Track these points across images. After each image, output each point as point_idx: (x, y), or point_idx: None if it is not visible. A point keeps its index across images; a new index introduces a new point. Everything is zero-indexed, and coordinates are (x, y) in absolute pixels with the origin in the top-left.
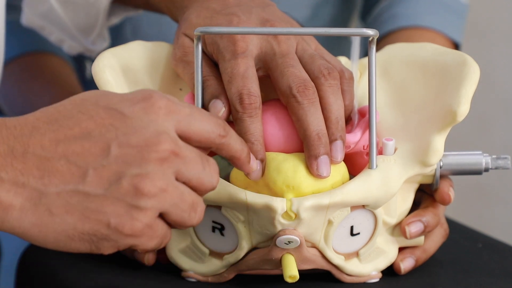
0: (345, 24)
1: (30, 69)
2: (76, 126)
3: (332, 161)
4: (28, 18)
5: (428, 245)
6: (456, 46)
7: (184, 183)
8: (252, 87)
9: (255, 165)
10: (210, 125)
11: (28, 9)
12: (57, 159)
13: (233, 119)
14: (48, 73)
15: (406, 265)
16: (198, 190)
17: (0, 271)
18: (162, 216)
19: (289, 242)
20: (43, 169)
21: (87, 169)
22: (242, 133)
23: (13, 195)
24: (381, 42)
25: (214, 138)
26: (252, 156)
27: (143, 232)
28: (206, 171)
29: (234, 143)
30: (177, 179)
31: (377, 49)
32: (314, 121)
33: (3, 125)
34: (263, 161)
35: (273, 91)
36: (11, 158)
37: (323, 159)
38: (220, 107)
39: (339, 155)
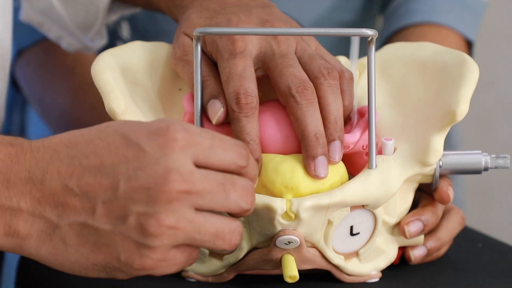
0: (370, 17)
1: (52, 55)
2: (92, 154)
3: (330, 162)
4: (27, 14)
5: (442, 233)
6: (469, 45)
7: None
8: (249, 87)
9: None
10: (232, 155)
11: (27, 5)
12: (70, 190)
13: (229, 119)
14: (69, 61)
15: (416, 253)
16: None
17: (3, 271)
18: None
19: (289, 242)
20: (57, 199)
21: (96, 203)
22: (238, 133)
23: (30, 226)
24: (395, 37)
25: (234, 169)
26: None
27: (156, 266)
28: (231, 197)
29: (251, 171)
30: (198, 210)
31: (393, 42)
32: (312, 121)
33: (28, 148)
34: (259, 161)
35: (272, 92)
36: (30, 185)
37: (321, 160)
38: (218, 107)
39: (337, 155)
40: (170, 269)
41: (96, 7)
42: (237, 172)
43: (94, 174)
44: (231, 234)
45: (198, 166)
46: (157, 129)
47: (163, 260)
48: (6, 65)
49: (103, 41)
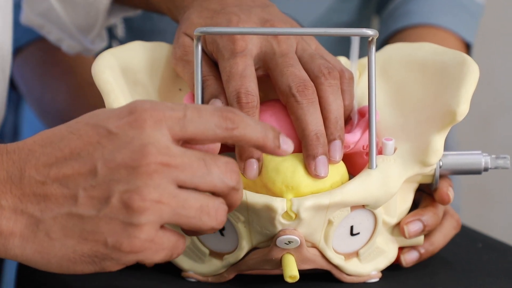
0: (366, 18)
1: (51, 53)
2: (67, 147)
3: (331, 161)
4: (27, 16)
5: (436, 237)
6: (468, 47)
7: (193, 189)
8: (250, 86)
9: (287, 147)
10: (212, 120)
11: (27, 8)
12: (50, 184)
13: None
14: (69, 60)
15: (407, 257)
16: (215, 194)
17: (3, 271)
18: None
19: (289, 242)
20: (38, 195)
21: (77, 191)
22: None
23: (13, 223)
24: (393, 38)
25: (221, 132)
26: (282, 137)
27: (144, 247)
28: (213, 172)
29: (251, 132)
30: (180, 187)
31: (391, 43)
32: (313, 121)
33: (3, 150)
34: (259, 160)
35: (273, 91)
36: (10, 184)
37: (321, 159)
38: None
39: (338, 154)
40: (159, 254)
41: (96, 8)
42: (229, 136)
43: (71, 165)
44: (216, 210)
45: (176, 141)
46: (126, 111)
47: (151, 241)
48: (6, 67)
49: (104, 43)
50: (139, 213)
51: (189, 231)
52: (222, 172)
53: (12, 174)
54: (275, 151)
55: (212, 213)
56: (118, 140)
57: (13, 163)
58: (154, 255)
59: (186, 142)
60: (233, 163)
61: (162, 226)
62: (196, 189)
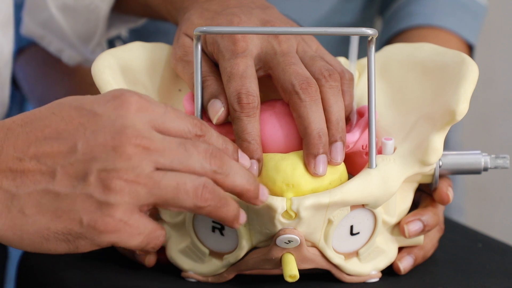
0: (369, 19)
1: (52, 55)
2: (48, 127)
3: (332, 163)
4: (27, 27)
5: (424, 241)
6: (470, 48)
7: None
8: (250, 86)
9: (245, 161)
10: (185, 123)
11: (28, 18)
12: (28, 160)
13: (231, 119)
14: None
15: (405, 264)
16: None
17: (7, 272)
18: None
19: (289, 241)
20: (15, 170)
21: (55, 168)
22: (239, 133)
23: None
24: (396, 39)
25: (191, 137)
26: (240, 153)
27: (118, 228)
28: (193, 156)
29: (215, 141)
30: (159, 169)
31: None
32: (316, 119)
33: None
34: (259, 160)
35: (273, 92)
36: None
37: (321, 158)
38: (219, 107)
39: (339, 156)
40: (134, 238)
41: (96, 15)
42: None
43: (51, 144)
44: (196, 188)
45: (155, 130)
46: (111, 96)
47: (125, 222)
48: (5, 66)
49: None
50: (115, 192)
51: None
52: (202, 157)
53: None
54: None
55: (190, 191)
56: (100, 121)
57: None
58: (129, 239)
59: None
60: (216, 150)
61: (140, 212)
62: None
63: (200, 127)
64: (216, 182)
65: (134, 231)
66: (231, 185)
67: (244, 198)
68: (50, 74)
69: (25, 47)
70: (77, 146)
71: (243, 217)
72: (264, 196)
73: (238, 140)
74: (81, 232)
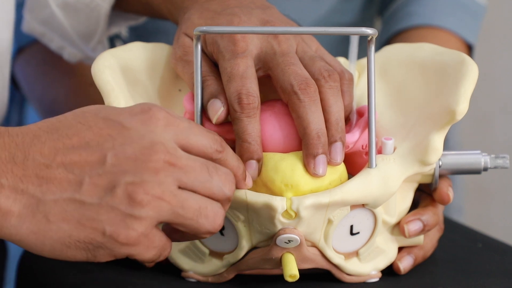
0: (368, 19)
1: (52, 54)
2: (75, 135)
3: (332, 163)
4: (28, 25)
5: (424, 241)
6: (470, 48)
7: (192, 191)
8: (251, 87)
9: (250, 182)
10: (207, 139)
11: (29, 15)
12: (55, 167)
13: (231, 119)
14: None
15: (405, 264)
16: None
17: (6, 272)
18: (172, 228)
19: (289, 241)
20: (41, 177)
21: (83, 177)
22: (239, 133)
23: (12, 202)
24: (395, 39)
25: (212, 152)
26: (247, 175)
27: (139, 241)
28: (214, 180)
29: (230, 160)
30: (181, 188)
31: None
32: (315, 119)
33: (5, 133)
34: (259, 161)
35: (273, 92)
36: (11, 164)
37: (321, 158)
38: (218, 107)
39: (339, 156)
40: (149, 251)
41: (97, 14)
42: (215, 157)
43: (79, 153)
44: (215, 214)
45: (179, 146)
46: (139, 109)
47: (146, 236)
48: (5, 64)
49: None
50: (140, 206)
51: (186, 235)
52: (222, 181)
53: (14, 155)
54: (240, 182)
55: (210, 216)
56: (129, 134)
57: (16, 146)
58: (145, 252)
59: (187, 150)
60: (231, 175)
61: (157, 226)
62: (195, 193)
63: (220, 143)
64: (225, 206)
65: (151, 245)
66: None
67: None
68: (50, 74)
69: (24, 47)
70: (106, 158)
71: None
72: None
73: (238, 140)
74: (103, 242)
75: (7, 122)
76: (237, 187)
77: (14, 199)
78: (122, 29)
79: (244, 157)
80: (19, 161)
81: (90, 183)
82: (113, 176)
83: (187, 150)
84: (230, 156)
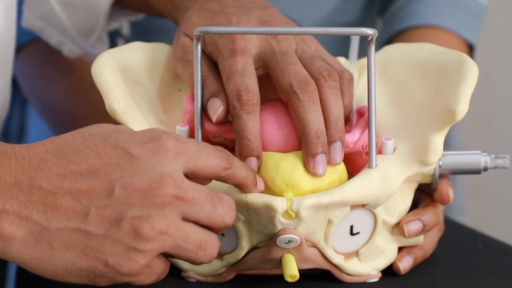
0: (370, 19)
1: (52, 53)
2: (83, 162)
3: (332, 163)
4: (28, 20)
5: (424, 241)
6: (471, 48)
7: (194, 222)
8: (250, 83)
9: (261, 186)
10: (215, 159)
11: (28, 11)
12: (61, 195)
13: (231, 116)
14: (69, 59)
15: (404, 264)
16: (211, 229)
17: (7, 270)
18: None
19: (289, 241)
20: (47, 204)
21: (90, 207)
22: (239, 130)
23: (16, 228)
24: (396, 39)
25: (220, 171)
26: (258, 179)
27: (140, 272)
28: (217, 210)
29: (238, 172)
30: (184, 219)
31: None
32: (314, 119)
33: (12, 155)
34: (259, 158)
35: (272, 91)
36: (17, 190)
37: (320, 158)
38: (218, 106)
39: (338, 156)
40: (149, 278)
41: (96, 11)
42: (223, 174)
43: (86, 181)
44: (212, 247)
45: (187, 174)
46: (149, 138)
47: (148, 266)
48: (7, 62)
49: (104, 47)
50: (145, 240)
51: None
52: (224, 211)
53: (20, 180)
54: (251, 190)
55: (208, 249)
56: (138, 165)
57: (22, 170)
58: (146, 279)
59: (194, 174)
60: (233, 203)
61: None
62: (196, 222)
63: (227, 159)
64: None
65: (151, 272)
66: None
67: None
68: (49, 73)
69: (23, 45)
70: (114, 189)
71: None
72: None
73: (238, 137)
74: (105, 272)
75: (8, 121)
76: (250, 192)
77: (18, 226)
78: (122, 24)
79: (243, 154)
80: (25, 187)
81: (96, 214)
82: (120, 208)
83: (195, 174)
84: (238, 169)
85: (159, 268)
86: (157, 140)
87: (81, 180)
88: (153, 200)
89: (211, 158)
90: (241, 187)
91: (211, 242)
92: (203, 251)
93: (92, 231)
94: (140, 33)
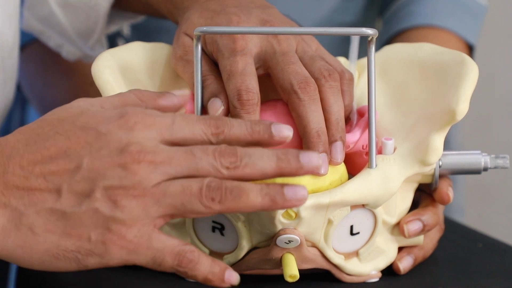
0: (370, 19)
1: (52, 52)
2: (53, 146)
3: (332, 162)
4: (27, 22)
5: (424, 241)
6: (471, 49)
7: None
8: (250, 83)
9: (283, 132)
10: (197, 127)
11: (28, 13)
12: (35, 179)
13: (231, 116)
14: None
15: (404, 264)
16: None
17: (9, 270)
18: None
19: (289, 241)
20: (22, 189)
21: (61, 186)
22: None
23: None
24: (396, 39)
25: (209, 137)
26: (275, 126)
27: (127, 244)
28: (203, 160)
29: (236, 131)
30: (169, 180)
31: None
32: (314, 118)
33: None
34: None
35: (273, 91)
36: None
37: (321, 157)
38: (218, 106)
39: (339, 156)
40: (146, 254)
41: (96, 12)
42: (215, 141)
43: (57, 162)
44: (200, 188)
45: (165, 143)
46: (116, 115)
47: (137, 238)
48: (8, 59)
49: (103, 49)
50: (121, 208)
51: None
52: (212, 158)
53: None
54: (270, 142)
55: (195, 192)
56: (105, 139)
57: None
58: (140, 256)
59: (177, 144)
60: (225, 147)
61: (154, 228)
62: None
63: (215, 124)
64: (235, 177)
65: (145, 247)
66: (253, 171)
67: (280, 174)
68: (49, 73)
69: (24, 46)
70: (82, 164)
71: (265, 199)
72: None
73: None
74: (90, 248)
75: (8, 121)
76: (273, 144)
77: None
78: (122, 27)
79: None
80: (0, 174)
81: (68, 191)
82: (90, 181)
83: (176, 144)
84: (235, 128)
85: (158, 243)
86: (124, 115)
87: (51, 162)
88: (123, 168)
89: (191, 127)
90: (256, 144)
91: (198, 184)
92: (192, 196)
93: (67, 209)
94: (141, 34)
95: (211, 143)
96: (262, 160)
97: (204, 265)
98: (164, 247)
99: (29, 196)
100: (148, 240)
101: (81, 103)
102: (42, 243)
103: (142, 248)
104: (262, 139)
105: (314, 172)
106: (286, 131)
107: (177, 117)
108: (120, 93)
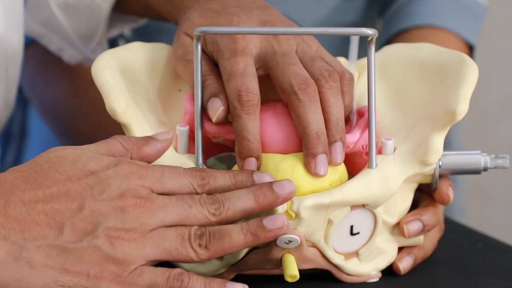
0: (371, 19)
1: (52, 53)
2: (54, 185)
3: (332, 163)
4: (28, 25)
5: (424, 241)
6: (470, 49)
7: (177, 225)
8: (250, 84)
9: (267, 177)
10: (185, 178)
11: (29, 16)
12: (36, 214)
13: (231, 117)
14: None
15: (404, 264)
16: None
17: None
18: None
19: (289, 241)
20: (23, 223)
21: (64, 223)
22: (239, 130)
23: None
24: (396, 39)
25: (196, 187)
26: (257, 174)
27: (125, 282)
28: (193, 208)
29: (219, 181)
30: (165, 226)
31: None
32: (314, 119)
33: None
34: (258, 159)
35: (273, 92)
36: None
37: (321, 158)
38: (218, 106)
39: (339, 156)
40: (139, 287)
41: (97, 14)
42: (200, 191)
43: (59, 201)
44: (189, 236)
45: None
46: (114, 163)
47: (132, 274)
48: (16, 66)
49: None
50: (121, 250)
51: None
52: (200, 206)
53: None
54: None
55: (187, 239)
56: (106, 183)
57: None
58: None
59: (165, 194)
60: (207, 196)
61: (147, 265)
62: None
63: (200, 175)
64: (221, 222)
65: (138, 283)
66: (235, 213)
67: (261, 208)
68: (49, 74)
69: (25, 46)
70: (84, 204)
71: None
72: (283, 189)
73: (238, 138)
74: (88, 285)
75: (9, 124)
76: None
77: None
78: (123, 31)
79: (243, 155)
80: (0, 208)
81: (71, 228)
82: (92, 219)
83: (166, 195)
84: (219, 179)
85: (148, 279)
86: (121, 165)
87: (53, 200)
88: (123, 211)
89: (180, 178)
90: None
91: (191, 231)
92: (187, 242)
93: (69, 245)
94: (141, 34)
95: (197, 193)
96: (241, 200)
97: (198, 283)
98: (155, 277)
99: (30, 231)
100: (139, 276)
101: (71, 149)
102: (39, 278)
103: (135, 284)
104: (245, 187)
105: (290, 198)
106: (267, 178)
107: (166, 169)
108: (105, 141)
